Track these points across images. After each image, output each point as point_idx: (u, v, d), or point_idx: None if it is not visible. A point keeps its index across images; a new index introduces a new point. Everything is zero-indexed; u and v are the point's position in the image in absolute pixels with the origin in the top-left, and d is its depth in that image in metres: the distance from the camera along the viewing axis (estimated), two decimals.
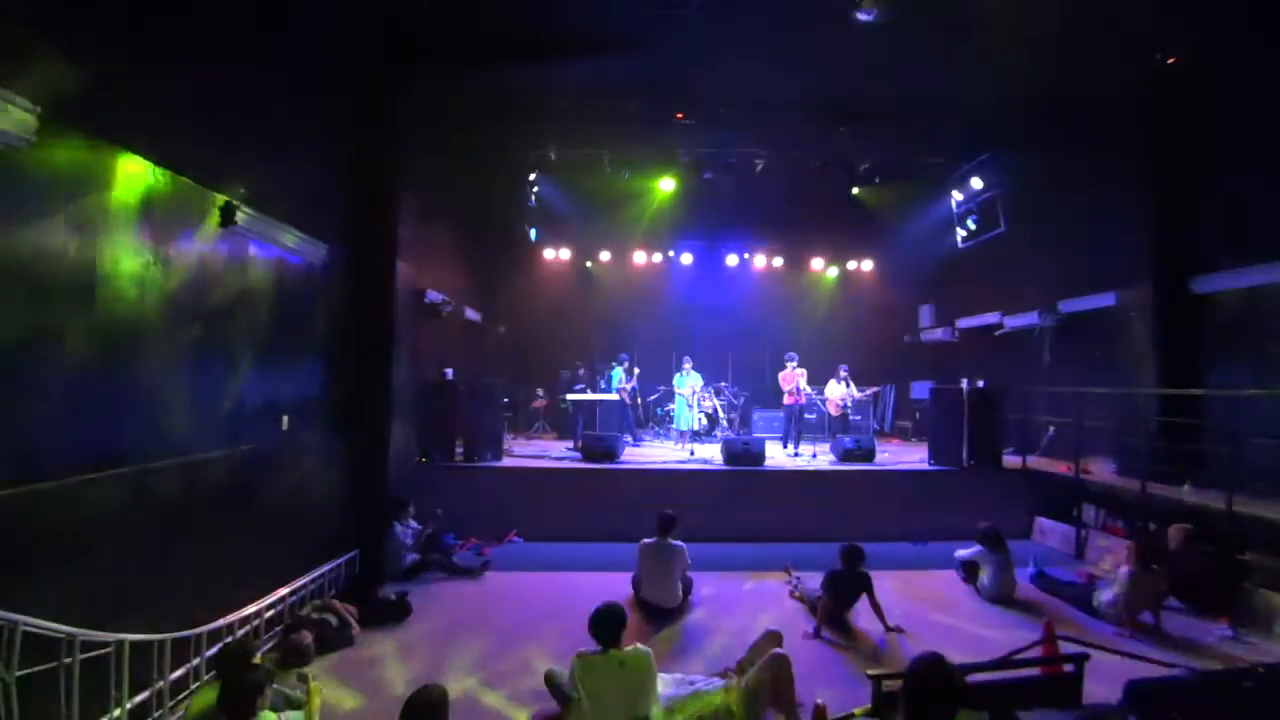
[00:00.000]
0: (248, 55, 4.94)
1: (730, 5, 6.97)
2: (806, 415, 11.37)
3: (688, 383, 11.10)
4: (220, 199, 4.59)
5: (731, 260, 13.91)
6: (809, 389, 10.62)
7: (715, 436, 11.29)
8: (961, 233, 12.33)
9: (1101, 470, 8.26)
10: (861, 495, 8.42)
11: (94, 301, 3.54)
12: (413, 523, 6.84)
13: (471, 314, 11.59)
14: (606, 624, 3.68)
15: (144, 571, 3.84)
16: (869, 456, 9.14)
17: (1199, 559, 5.83)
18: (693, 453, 9.75)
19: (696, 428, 11.13)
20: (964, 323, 12.43)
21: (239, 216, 4.67)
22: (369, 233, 6.94)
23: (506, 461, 8.84)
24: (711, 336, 13.55)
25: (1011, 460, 9.13)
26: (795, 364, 10.39)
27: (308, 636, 4.70)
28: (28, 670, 2.78)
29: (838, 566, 5.48)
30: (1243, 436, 6.34)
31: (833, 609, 5.48)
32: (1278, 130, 6.68)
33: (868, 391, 11.64)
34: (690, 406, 11.07)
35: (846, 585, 5.47)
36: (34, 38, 3.15)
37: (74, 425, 3.43)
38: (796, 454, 10.01)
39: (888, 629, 5.33)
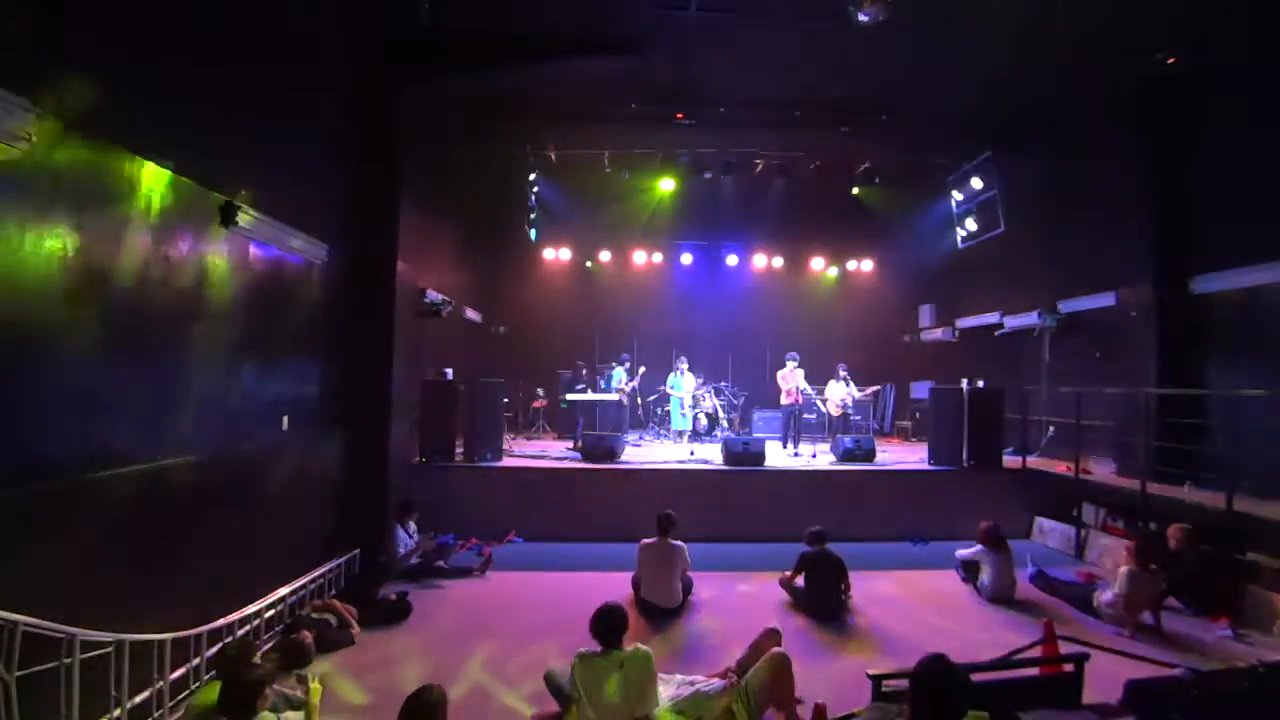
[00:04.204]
0: (248, 55, 4.93)
1: (730, 5, 6.98)
2: (805, 415, 11.37)
3: (683, 383, 11.09)
4: (220, 199, 4.59)
5: (731, 260, 13.92)
6: (808, 389, 10.62)
7: (715, 436, 11.29)
8: (961, 233, 12.34)
9: (1101, 470, 8.27)
10: (861, 495, 8.41)
11: (93, 301, 3.54)
12: (412, 525, 6.83)
13: (471, 314, 11.60)
14: (607, 624, 3.68)
15: (144, 571, 3.84)
16: (869, 456, 9.14)
17: (1199, 559, 5.83)
18: (693, 453, 9.75)
19: (692, 428, 11.13)
20: (964, 323, 12.44)
21: (239, 217, 4.67)
22: (369, 233, 6.93)
23: (506, 461, 8.83)
24: (711, 336, 13.57)
25: (1011, 460, 9.13)
26: (796, 364, 10.38)
27: (308, 636, 4.69)
28: (28, 670, 2.77)
29: (806, 549, 5.91)
30: (1242, 436, 6.34)
31: (814, 593, 5.73)
32: (1277, 130, 6.69)
33: (867, 391, 11.65)
34: (685, 408, 11.07)
35: (819, 566, 5.78)
36: (34, 38, 3.15)
37: (73, 425, 3.43)
38: (796, 454, 10.01)
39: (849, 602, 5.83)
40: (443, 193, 9.50)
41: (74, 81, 3.38)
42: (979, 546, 6.22)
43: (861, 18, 6.39)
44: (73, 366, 3.42)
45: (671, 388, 11.19)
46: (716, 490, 8.37)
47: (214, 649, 4.12)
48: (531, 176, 12.16)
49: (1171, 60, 7.42)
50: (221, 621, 4.32)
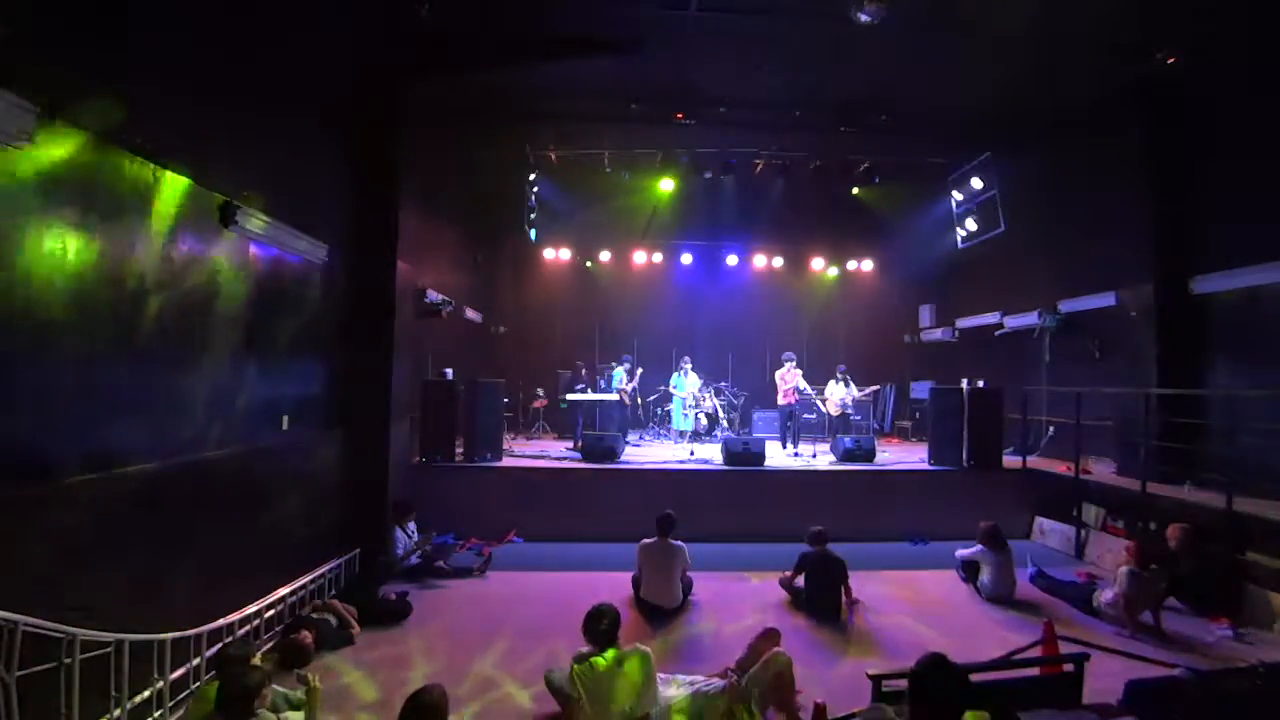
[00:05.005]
0: (248, 55, 4.93)
1: (730, 5, 6.98)
2: (805, 415, 11.37)
3: (686, 384, 11.07)
4: (220, 199, 4.59)
5: (731, 260, 13.91)
6: (807, 389, 10.63)
7: (715, 436, 11.29)
8: (961, 233, 12.34)
9: (1101, 470, 8.27)
10: (861, 495, 8.41)
11: (92, 301, 3.54)
12: (412, 525, 6.83)
13: (471, 314, 11.60)
14: (599, 625, 3.68)
15: (144, 571, 3.84)
16: (869, 456, 9.14)
17: (1199, 559, 5.83)
18: (693, 453, 9.75)
19: (694, 428, 11.12)
20: (964, 323, 12.45)
21: (239, 217, 4.67)
22: (369, 233, 6.93)
23: (506, 461, 8.82)
24: (711, 336, 13.58)
25: (1011, 460, 9.13)
26: (793, 364, 10.39)
27: (308, 636, 4.72)
28: (28, 670, 2.77)
29: (806, 549, 5.90)
30: (1242, 436, 6.34)
31: (814, 593, 5.74)
32: (1277, 130, 6.68)
33: (867, 391, 11.65)
34: (687, 408, 11.05)
35: (819, 566, 5.78)
36: (35, 37, 3.15)
37: (73, 425, 3.42)
38: (796, 454, 10.02)
39: (851, 602, 5.77)
40: (443, 193, 9.50)
41: (75, 81, 3.37)
42: (979, 546, 6.23)
43: (861, 18, 6.39)
44: (68, 367, 3.41)
45: (674, 387, 11.18)
46: (716, 490, 8.36)
47: (214, 649, 4.12)
48: (531, 176, 12.16)
49: (1171, 60, 7.42)
50: (221, 621, 4.32)
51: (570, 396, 11.00)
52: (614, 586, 5.92)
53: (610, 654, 3.60)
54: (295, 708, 3.56)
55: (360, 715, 4.04)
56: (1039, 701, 3.24)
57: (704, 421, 11.47)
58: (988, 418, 8.78)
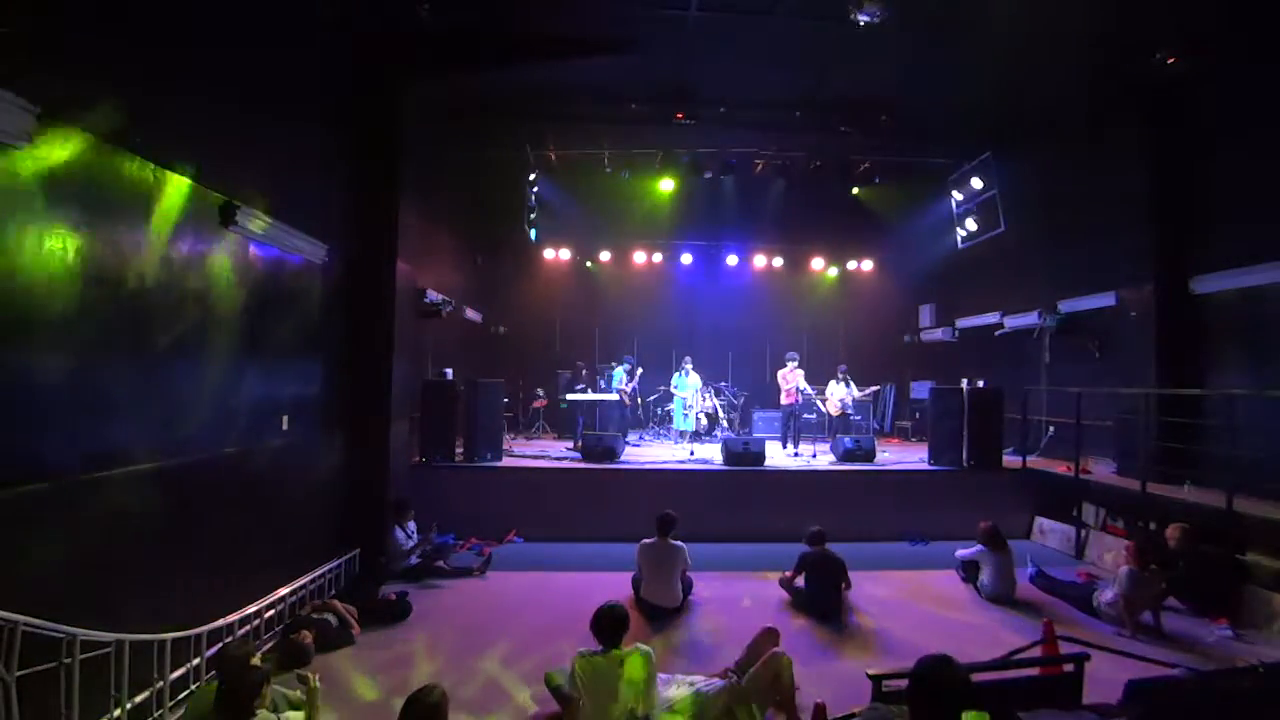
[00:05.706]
0: (248, 55, 4.93)
1: (730, 5, 6.98)
2: (805, 415, 11.37)
3: (688, 384, 11.06)
4: (220, 199, 4.59)
5: (731, 260, 13.91)
6: (808, 388, 10.63)
7: (715, 436, 11.28)
8: (961, 233, 12.34)
9: (1101, 470, 8.27)
10: (861, 495, 8.42)
11: (92, 301, 3.53)
12: (412, 525, 6.84)
13: (471, 314, 11.61)
14: (608, 624, 3.68)
15: (144, 571, 3.84)
16: (869, 456, 9.14)
17: (1199, 559, 5.83)
18: (693, 453, 9.75)
19: (694, 428, 11.12)
20: (964, 323, 12.45)
21: (239, 217, 4.67)
22: (369, 233, 6.93)
23: (506, 461, 8.83)
24: (711, 336, 13.58)
25: (1011, 460, 9.13)
26: (796, 363, 10.40)
27: (308, 636, 4.72)
28: (28, 670, 2.77)
29: (806, 549, 5.92)
30: (1242, 436, 6.34)
31: (814, 593, 5.74)
32: (1278, 130, 6.68)
33: (867, 391, 11.65)
34: (688, 408, 11.04)
35: (819, 566, 5.79)
36: (35, 38, 3.15)
37: (72, 426, 3.42)
38: (796, 454, 10.01)
39: (847, 588, 5.87)
40: (443, 193, 9.51)
41: (75, 82, 3.37)
42: (979, 546, 6.23)
43: (861, 18, 6.39)
44: (71, 367, 3.41)
45: (676, 387, 11.17)
46: (716, 490, 8.36)
47: (214, 649, 4.12)
48: (531, 176, 12.16)
49: (1171, 60, 7.41)
50: (221, 621, 4.32)
51: (570, 396, 11.00)
52: (614, 586, 5.91)
53: (612, 654, 3.60)
54: (295, 708, 3.55)
55: (359, 714, 4.04)
56: (1039, 701, 3.24)
57: (704, 421, 11.47)
58: (987, 418, 8.78)
